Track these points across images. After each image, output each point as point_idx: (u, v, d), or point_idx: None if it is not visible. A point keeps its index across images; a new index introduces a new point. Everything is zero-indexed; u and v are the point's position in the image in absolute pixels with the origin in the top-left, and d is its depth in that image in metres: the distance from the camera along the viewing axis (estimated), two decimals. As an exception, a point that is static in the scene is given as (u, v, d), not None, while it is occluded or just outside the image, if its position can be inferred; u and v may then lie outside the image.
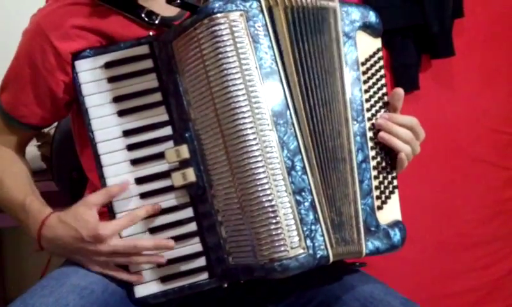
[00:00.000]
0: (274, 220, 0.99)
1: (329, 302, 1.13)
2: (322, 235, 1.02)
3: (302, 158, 1.03)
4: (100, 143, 1.12)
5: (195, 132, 1.08)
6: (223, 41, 1.02)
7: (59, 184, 1.52)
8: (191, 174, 1.08)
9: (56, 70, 1.17)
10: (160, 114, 1.12)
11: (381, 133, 1.16)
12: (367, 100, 1.17)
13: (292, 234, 0.99)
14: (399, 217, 1.18)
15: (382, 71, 1.21)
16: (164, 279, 1.10)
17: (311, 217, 1.02)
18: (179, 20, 1.19)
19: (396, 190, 1.19)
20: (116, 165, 1.12)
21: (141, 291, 1.10)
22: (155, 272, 1.10)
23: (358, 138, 1.14)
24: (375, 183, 1.15)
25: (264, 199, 1.00)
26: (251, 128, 1.00)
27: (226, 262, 1.08)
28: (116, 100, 1.13)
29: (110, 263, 1.09)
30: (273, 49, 1.04)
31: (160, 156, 1.10)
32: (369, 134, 1.16)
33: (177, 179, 1.09)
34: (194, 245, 1.10)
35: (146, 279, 1.10)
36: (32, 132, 1.31)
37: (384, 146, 1.17)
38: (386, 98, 1.20)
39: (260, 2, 1.05)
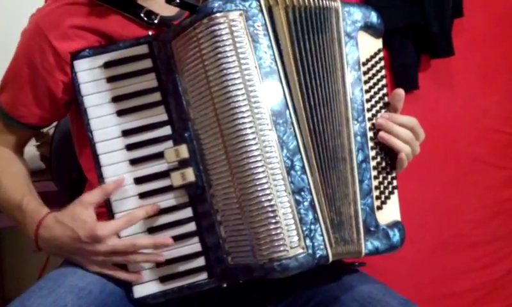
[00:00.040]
0: (273, 220, 0.99)
1: (328, 302, 1.13)
2: (322, 235, 1.02)
3: (301, 157, 1.03)
4: (99, 143, 1.12)
5: (194, 131, 1.08)
6: (223, 40, 1.02)
7: (59, 184, 1.52)
8: (190, 174, 1.08)
9: (54, 69, 1.17)
10: (160, 114, 1.12)
11: (381, 133, 1.16)
12: (368, 100, 1.17)
13: (292, 234, 0.99)
14: (398, 217, 1.18)
15: (383, 72, 1.21)
16: (163, 279, 1.10)
17: (310, 216, 1.02)
18: (178, 20, 1.19)
19: (396, 191, 1.19)
20: (115, 165, 1.11)
21: (140, 291, 1.10)
22: (154, 272, 1.10)
23: (358, 138, 1.14)
24: (375, 183, 1.15)
25: (263, 199, 0.99)
26: (251, 127, 1.00)
27: (225, 262, 1.08)
28: (115, 99, 1.13)
29: (108, 262, 1.09)
30: (273, 49, 1.04)
31: (159, 156, 1.10)
32: (369, 134, 1.16)
33: (176, 179, 1.08)
34: (193, 245, 1.10)
35: (146, 279, 1.10)
36: (31, 132, 1.31)
37: (384, 146, 1.17)
38: (386, 98, 1.20)
39: (259, 2, 1.05)
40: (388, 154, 1.18)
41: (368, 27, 1.20)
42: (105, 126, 1.12)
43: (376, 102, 1.19)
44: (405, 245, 1.16)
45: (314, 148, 1.06)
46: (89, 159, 1.14)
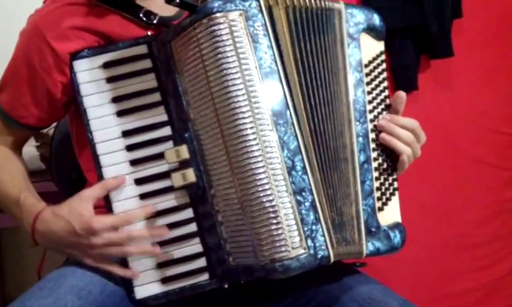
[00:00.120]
0: (275, 221, 0.99)
1: (328, 303, 1.13)
2: (323, 235, 1.02)
3: (302, 158, 1.03)
4: (99, 144, 1.12)
5: (195, 132, 1.08)
6: (223, 41, 1.02)
7: (59, 184, 1.52)
8: (190, 175, 1.08)
9: (53, 70, 1.17)
10: (160, 115, 1.12)
11: (383, 135, 1.16)
12: (369, 102, 1.17)
13: (293, 234, 0.99)
14: (399, 219, 1.18)
15: (384, 74, 1.21)
16: (164, 280, 1.10)
17: (311, 217, 1.01)
18: (177, 20, 1.19)
19: (396, 192, 1.19)
20: (116, 165, 1.11)
21: (141, 292, 1.10)
22: (155, 273, 1.10)
23: (360, 139, 1.14)
24: (376, 184, 1.15)
25: (264, 200, 0.99)
26: (251, 128, 1.00)
27: (226, 263, 1.08)
28: (115, 100, 1.12)
29: (104, 257, 1.08)
30: (273, 49, 1.04)
31: (159, 156, 1.10)
32: (371, 136, 1.16)
33: (177, 179, 1.08)
34: (195, 246, 1.10)
35: (147, 280, 1.10)
36: (30, 132, 1.31)
37: (386, 148, 1.17)
38: (388, 100, 1.21)
39: (259, 2, 1.05)
40: (390, 156, 1.18)
41: (370, 29, 1.20)
42: (105, 126, 1.12)
43: (378, 104, 1.19)
44: (405, 245, 1.16)
45: (315, 148, 1.06)
46: (89, 160, 1.14)
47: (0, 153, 1.24)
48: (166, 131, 1.11)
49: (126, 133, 1.12)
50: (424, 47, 1.93)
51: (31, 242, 1.12)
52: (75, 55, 1.14)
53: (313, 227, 1.01)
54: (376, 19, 1.21)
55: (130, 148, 1.11)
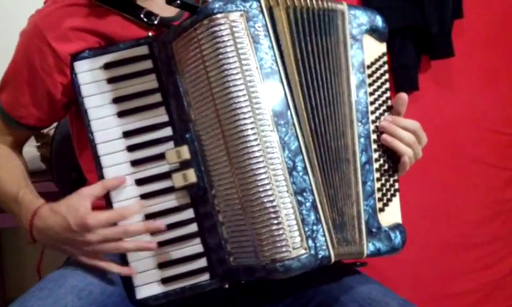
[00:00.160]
0: (275, 221, 0.99)
1: (328, 303, 1.13)
2: (324, 235, 1.02)
3: (303, 158, 1.03)
4: (100, 144, 1.12)
5: (196, 132, 1.08)
6: (223, 41, 1.02)
7: (59, 185, 1.52)
8: (191, 175, 1.08)
9: (54, 71, 1.17)
10: (160, 115, 1.12)
11: (384, 136, 1.16)
12: (371, 103, 1.18)
13: (294, 234, 0.99)
14: (399, 220, 1.18)
15: (386, 76, 1.22)
16: (165, 280, 1.10)
17: (312, 217, 1.02)
18: (178, 21, 1.19)
19: (397, 193, 1.19)
20: (116, 166, 1.11)
21: (142, 292, 1.10)
22: (156, 273, 1.10)
23: (362, 139, 1.14)
24: (377, 185, 1.15)
25: (265, 200, 0.99)
26: (252, 128, 1.00)
27: (227, 263, 1.08)
28: (116, 101, 1.12)
29: (100, 254, 1.08)
30: (273, 49, 1.04)
31: (160, 157, 1.10)
32: (373, 137, 1.16)
33: (178, 180, 1.08)
34: (195, 246, 1.10)
35: (148, 280, 1.10)
36: (30, 132, 1.31)
37: (387, 149, 1.17)
38: (389, 102, 1.21)
39: (260, 2, 1.05)
40: (391, 157, 1.18)
41: (373, 31, 1.20)
42: (106, 127, 1.12)
43: (380, 105, 1.19)
44: (405, 245, 1.16)
45: (316, 148, 1.06)
46: (89, 160, 1.14)
47: (0, 152, 1.24)
48: (167, 132, 1.11)
49: (127, 134, 1.12)
50: (424, 47, 1.93)
51: (28, 239, 1.12)
52: (76, 56, 1.14)
53: (314, 227, 1.01)
54: (379, 21, 1.21)
55: (131, 148, 1.11)
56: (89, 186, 1.10)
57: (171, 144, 1.10)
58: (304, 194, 1.02)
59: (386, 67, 1.22)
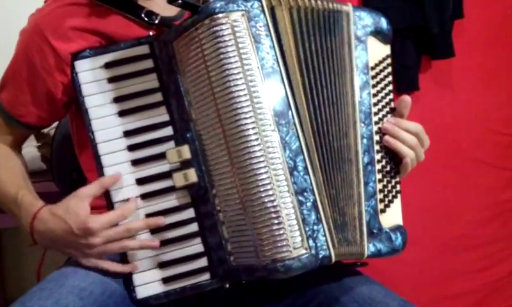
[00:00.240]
0: (276, 221, 0.99)
1: (328, 303, 1.13)
2: (325, 235, 1.02)
3: (304, 158, 1.03)
4: (101, 144, 1.12)
5: (196, 132, 1.08)
6: (225, 41, 1.02)
7: (59, 185, 1.51)
8: (192, 175, 1.08)
9: (54, 70, 1.17)
10: (161, 115, 1.12)
11: (387, 137, 1.17)
12: (375, 104, 1.18)
13: (295, 234, 0.99)
14: (400, 221, 1.18)
15: (390, 77, 1.22)
16: (166, 280, 1.10)
17: (313, 217, 1.01)
18: (179, 20, 1.19)
19: (399, 195, 1.19)
20: (117, 165, 1.11)
21: (143, 292, 1.10)
22: (157, 272, 1.10)
23: (364, 140, 1.14)
24: (379, 186, 1.15)
25: (266, 200, 0.99)
26: (253, 128, 1.00)
27: (227, 262, 1.08)
28: (117, 100, 1.12)
29: (102, 255, 1.08)
30: (275, 49, 1.04)
31: (161, 156, 1.10)
32: (375, 138, 1.16)
33: (179, 179, 1.08)
34: (196, 246, 1.10)
35: (148, 280, 1.10)
36: (30, 131, 1.31)
37: (389, 150, 1.18)
38: (392, 103, 1.21)
39: (261, 2, 1.05)
40: (393, 158, 1.18)
41: (377, 33, 1.20)
42: (107, 127, 1.12)
43: (383, 107, 1.19)
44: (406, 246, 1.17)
45: (317, 148, 1.06)
46: (90, 160, 1.14)
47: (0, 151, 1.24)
48: (168, 131, 1.11)
49: (127, 134, 1.12)
50: (424, 47, 1.93)
51: (30, 241, 1.12)
52: (77, 56, 1.14)
53: (315, 227, 1.01)
54: (384, 23, 1.21)
55: (131, 148, 1.11)
56: (87, 186, 1.09)
57: (171, 143, 1.10)
58: (305, 193, 1.02)
59: (389, 69, 1.22)
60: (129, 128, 1.12)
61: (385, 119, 1.18)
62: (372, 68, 1.19)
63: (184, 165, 1.08)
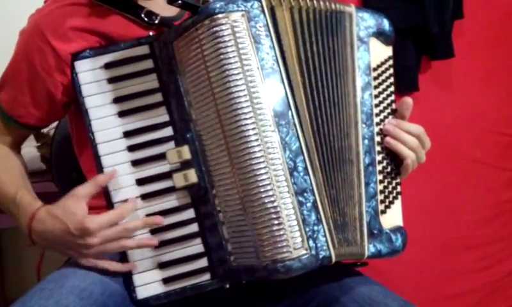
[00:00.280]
0: (276, 221, 0.99)
1: (328, 303, 1.13)
2: (325, 236, 1.02)
3: (304, 158, 1.03)
4: (101, 144, 1.12)
5: (196, 132, 1.08)
6: (225, 42, 1.02)
7: (59, 185, 1.51)
8: (192, 175, 1.08)
9: (54, 71, 1.16)
10: (161, 115, 1.12)
11: (388, 139, 1.17)
12: (376, 106, 1.18)
13: (295, 235, 0.99)
14: (400, 223, 1.18)
15: (392, 79, 1.22)
16: (166, 280, 1.10)
17: (313, 217, 1.01)
18: (179, 21, 1.19)
19: (399, 196, 1.19)
20: (117, 166, 1.11)
21: (143, 292, 1.10)
22: (157, 273, 1.10)
23: (366, 141, 1.14)
24: (380, 187, 1.15)
25: (266, 200, 0.99)
26: (253, 129, 1.00)
27: (228, 263, 1.08)
28: (117, 100, 1.12)
29: (101, 255, 1.08)
30: (275, 49, 1.04)
31: (161, 157, 1.10)
32: (377, 139, 1.16)
33: (179, 180, 1.08)
34: (196, 246, 1.10)
35: (149, 280, 1.10)
36: (29, 132, 1.31)
37: (390, 151, 1.18)
38: (394, 105, 1.21)
39: (261, 2, 1.05)
40: (394, 160, 1.19)
41: (380, 34, 1.21)
42: (107, 127, 1.12)
43: (384, 108, 1.19)
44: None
45: (318, 148, 1.06)
46: (89, 160, 1.14)
47: None
48: (168, 131, 1.11)
49: (127, 134, 1.12)
50: (424, 47, 1.93)
51: (28, 242, 1.12)
52: (77, 56, 1.14)
53: (315, 227, 1.01)
54: (386, 24, 1.22)
55: (131, 148, 1.11)
56: (83, 185, 1.09)
57: (171, 144, 1.10)
58: (305, 194, 1.02)
59: (391, 70, 1.23)
60: (129, 128, 1.12)
61: (387, 120, 1.18)
62: (374, 69, 1.19)
63: (184, 165, 1.08)
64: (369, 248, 1.11)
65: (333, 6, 1.13)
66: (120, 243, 1.07)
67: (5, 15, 2.03)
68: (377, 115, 1.17)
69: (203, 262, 1.10)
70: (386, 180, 1.17)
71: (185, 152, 1.08)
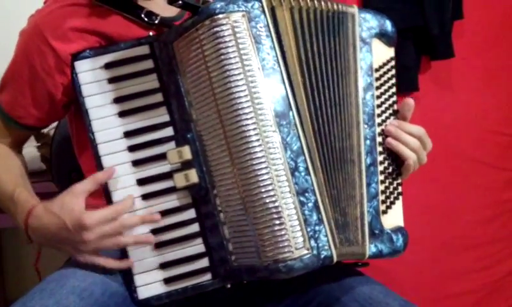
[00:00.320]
0: (278, 221, 0.99)
1: (328, 303, 1.13)
2: (326, 236, 1.02)
3: (305, 159, 1.03)
4: (101, 144, 1.11)
5: (197, 132, 1.08)
6: (225, 42, 1.02)
7: (59, 185, 1.51)
8: (193, 175, 1.08)
9: (54, 71, 1.17)
10: (162, 115, 1.12)
11: (389, 140, 1.17)
12: (378, 106, 1.18)
13: (297, 235, 0.99)
14: (401, 223, 1.18)
15: (394, 80, 1.23)
16: (167, 280, 1.10)
17: (314, 217, 1.01)
18: (179, 21, 1.19)
19: (400, 197, 1.19)
20: (118, 166, 1.10)
21: (144, 292, 1.09)
22: (158, 273, 1.10)
23: (367, 141, 1.14)
24: (381, 187, 1.15)
25: (267, 200, 0.99)
26: (254, 129, 1.00)
27: (229, 263, 1.08)
28: (117, 100, 1.12)
29: (98, 252, 1.08)
30: (275, 50, 1.04)
31: (162, 157, 1.10)
32: (378, 139, 1.16)
33: (179, 180, 1.08)
34: (197, 246, 1.10)
35: (150, 280, 1.10)
36: (29, 132, 1.31)
37: (392, 152, 1.18)
38: (395, 106, 1.21)
39: (261, 3, 1.05)
40: (395, 160, 1.19)
41: (382, 35, 1.21)
42: (107, 127, 1.12)
43: (386, 109, 1.19)
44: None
45: (319, 149, 1.06)
46: (90, 160, 1.14)
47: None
48: (168, 132, 1.11)
49: (128, 134, 1.12)
50: (424, 48, 1.93)
51: (25, 239, 1.12)
52: (77, 56, 1.13)
53: (316, 227, 1.01)
54: (388, 25, 1.22)
55: (132, 148, 1.11)
56: (81, 182, 1.08)
57: (172, 144, 1.10)
58: (307, 194, 1.02)
59: (393, 72, 1.23)
60: (130, 128, 1.12)
61: (388, 121, 1.19)
62: (376, 70, 1.19)
63: (185, 165, 1.08)
64: (370, 248, 1.11)
65: (335, 6, 1.13)
66: (116, 239, 1.07)
67: (5, 15, 2.03)
68: (379, 116, 1.17)
69: (204, 262, 1.10)
70: (387, 181, 1.17)
71: (186, 152, 1.08)
